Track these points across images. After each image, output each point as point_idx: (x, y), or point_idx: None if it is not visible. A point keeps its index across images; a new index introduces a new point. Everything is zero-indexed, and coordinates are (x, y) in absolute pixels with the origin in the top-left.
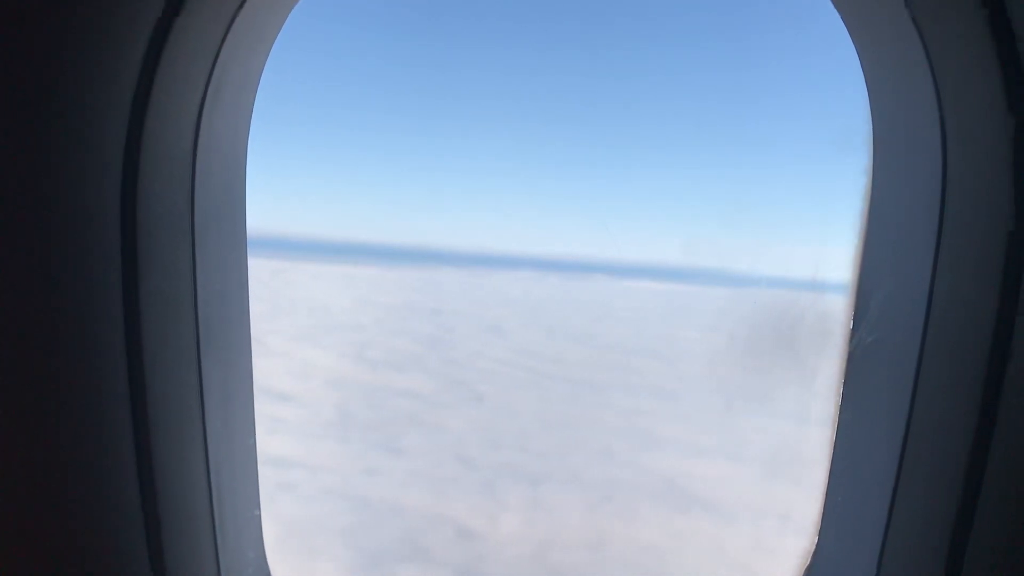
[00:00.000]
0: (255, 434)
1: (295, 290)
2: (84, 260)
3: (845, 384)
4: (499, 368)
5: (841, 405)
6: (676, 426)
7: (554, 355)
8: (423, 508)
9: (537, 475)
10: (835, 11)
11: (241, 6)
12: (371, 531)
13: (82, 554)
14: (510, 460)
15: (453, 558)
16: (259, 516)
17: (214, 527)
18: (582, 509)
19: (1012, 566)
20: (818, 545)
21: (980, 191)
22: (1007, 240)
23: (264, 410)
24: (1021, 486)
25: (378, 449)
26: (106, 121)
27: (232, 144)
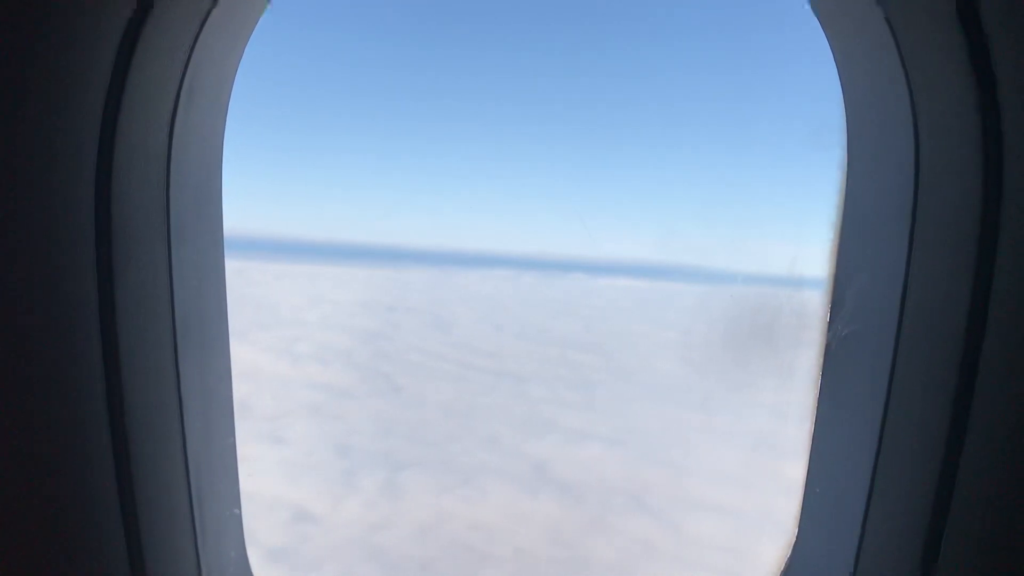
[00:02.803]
0: (235, 433)
1: (251, 289)
2: (58, 261)
3: (822, 377)
4: (429, 362)
5: (818, 399)
6: (578, 416)
7: (492, 350)
8: (272, 494)
9: (408, 462)
10: (810, 10)
11: (209, 11)
12: None
13: (60, 555)
14: (390, 448)
15: (274, 539)
16: (240, 515)
17: (194, 527)
18: (431, 492)
19: (987, 556)
20: (797, 538)
21: (952, 185)
22: (979, 232)
23: None
24: (996, 477)
25: (258, 439)
26: (78, 120)
27: (208, 143)
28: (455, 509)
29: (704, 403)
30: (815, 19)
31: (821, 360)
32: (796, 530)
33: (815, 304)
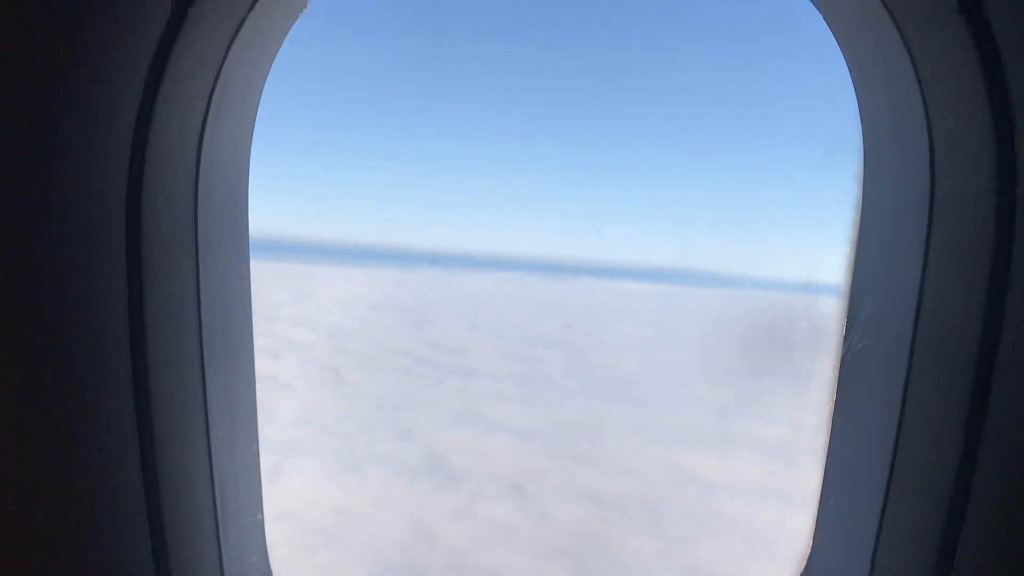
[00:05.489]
0: (258, 440)
1: None
2: (89, 270)
3: (838, 389)
4: (387, 357)
5: (833, 410)
6: (507, 409)
7: (457, 347)
8: None
9: (304, 451)
10: (827, 26)
11: (242, 22)
12: None
13: (88, 558)
14: (295, 437)
15: None
16: (262, 520)
17: (218, 531)
18: (309, 479)
19: (1001, 569)
20: (812, 548)
21: (967, 199)
22: (994, 247)
23: None
24: (1010, 490)
25: None
26: (110, 134)
27: (235, 156)
28: (324, 495)
29: (650, 401)
30: (831, 35)
31: (836, 372)
32: (811, 540)
33: (824, 312)
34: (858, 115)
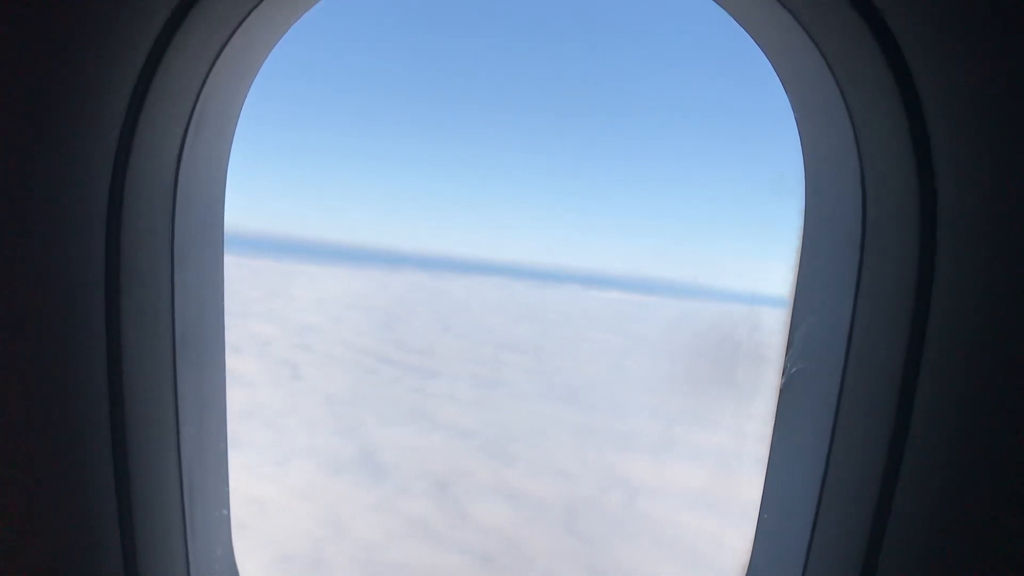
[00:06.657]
0: (226, 439)
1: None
2: (69, 272)
3: (777, 407)
4: (348, 355)
5: (774, 426)
6: (455, 409)
7: (424, 348)
8: None
9: (239, 443)
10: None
11: (230, 38)
12: None
13: (60, 549)
14: (233, 431)
15: None
16: (228, 515)
17: (185, 525)
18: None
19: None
20: (751, 562)
21: (894, 234)
22: (917, 277)
23: None
24: (928, 505)
25: None
26: (95, 141)
27: (214, 168)
28: (242, 487)
29: (602, 407)
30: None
31: (777, 391)
32: (750, 554)
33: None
34: (801, 155)
